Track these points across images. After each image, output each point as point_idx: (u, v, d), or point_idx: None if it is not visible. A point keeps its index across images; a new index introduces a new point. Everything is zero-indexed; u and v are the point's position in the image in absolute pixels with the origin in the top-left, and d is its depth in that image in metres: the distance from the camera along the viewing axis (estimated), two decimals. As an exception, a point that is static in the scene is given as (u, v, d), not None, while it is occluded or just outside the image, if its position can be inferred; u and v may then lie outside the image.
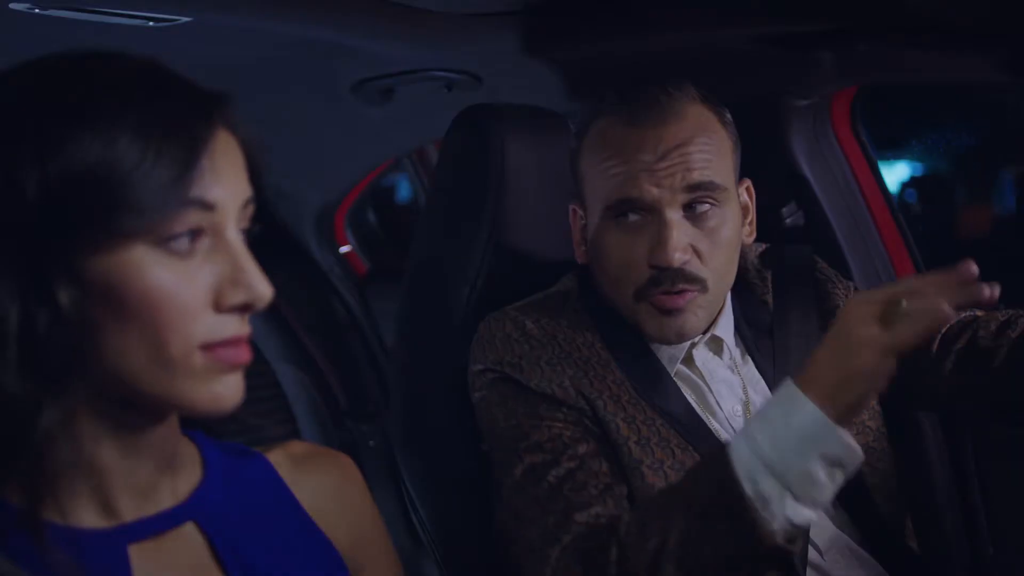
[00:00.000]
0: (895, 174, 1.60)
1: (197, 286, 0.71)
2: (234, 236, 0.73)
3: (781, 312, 1.34)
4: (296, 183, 2.37)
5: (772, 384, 1.28)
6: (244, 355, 0.74)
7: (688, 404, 1.23)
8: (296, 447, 0.91)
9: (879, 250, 1.62)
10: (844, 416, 0.96)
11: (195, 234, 0.71)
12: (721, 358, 1.29)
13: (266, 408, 2.50)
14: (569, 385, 1.20)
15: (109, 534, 0.73)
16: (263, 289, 0.73)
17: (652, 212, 1.19)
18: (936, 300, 0.93)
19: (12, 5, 1.22)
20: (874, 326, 0.95)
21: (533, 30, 1.52)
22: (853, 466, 0.97)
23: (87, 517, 0.73)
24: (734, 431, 1.24)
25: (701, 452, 1.18)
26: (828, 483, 0.96)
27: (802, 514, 0.97)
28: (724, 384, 1.27)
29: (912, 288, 0.96)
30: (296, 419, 2.58)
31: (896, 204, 1.63)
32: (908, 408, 1.46)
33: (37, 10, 1.24)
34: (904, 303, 0.94)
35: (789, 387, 0.99)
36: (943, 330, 1.28)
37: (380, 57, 1.63)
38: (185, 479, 0.80)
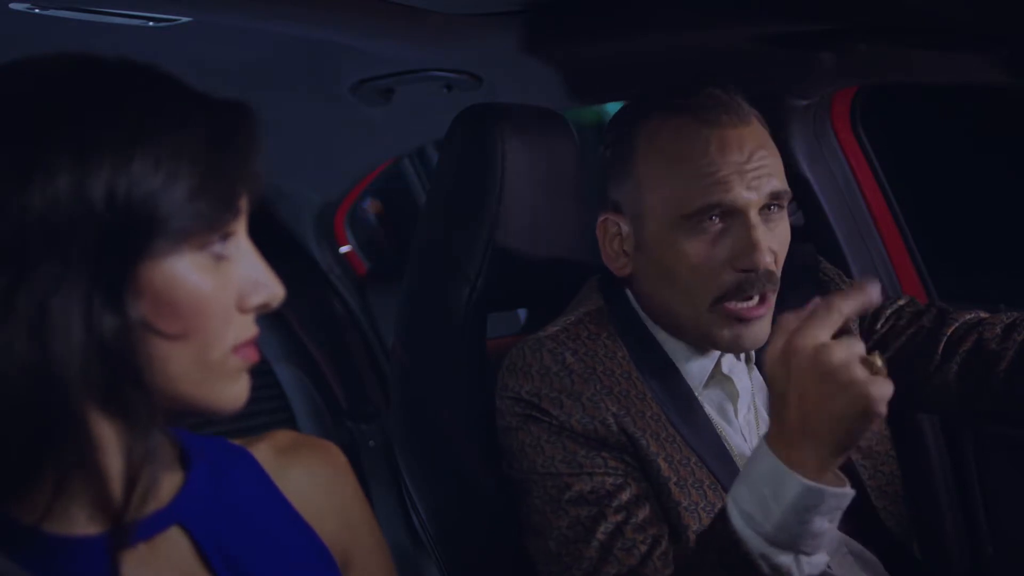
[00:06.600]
0: (895, 174, 1.60)
1: (231, 288, 0.72)
2: (247, 238, 0.74)
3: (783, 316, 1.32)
4: (296, 183, 2.37)
5: None
6: (256, 354, 0.75)
7: (718, 440, 1.21)
8: (281, 438, 0.90)
9: (879, 250, 1.62)
10: (828, 469, 0.92)
11: (226, 237, 0.72)
12: (741, 362, 1.28)
13: (266, 408, 2.50)
14: (612, 422, 1.17)
15: (97, 541, 0.71)
16: (279, 288, 0.74)
17: (734, 215, 1.15)
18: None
19: (12, 5, 1.22)
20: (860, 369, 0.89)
21: (533, 30, 1.52)
22: (848, 502, 0.93)
23: (77, 524, 0.72)
24: (745, 441, 1.23)
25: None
26: (832, 526, 0.93)
27: (818, 562, 0.95)
28: (743, 392, 1.26)
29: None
30: (296, 419, 2.58)
31: (896, 204, 1.63)
32: (913, 410, 1.45)
33: (37, 10, 1.24)
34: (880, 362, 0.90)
35: (772, 462, 0.92)
36: (948, 332, 1.28)
37: (380, 57, 1.63)
38: (168, 480, 0.78)
